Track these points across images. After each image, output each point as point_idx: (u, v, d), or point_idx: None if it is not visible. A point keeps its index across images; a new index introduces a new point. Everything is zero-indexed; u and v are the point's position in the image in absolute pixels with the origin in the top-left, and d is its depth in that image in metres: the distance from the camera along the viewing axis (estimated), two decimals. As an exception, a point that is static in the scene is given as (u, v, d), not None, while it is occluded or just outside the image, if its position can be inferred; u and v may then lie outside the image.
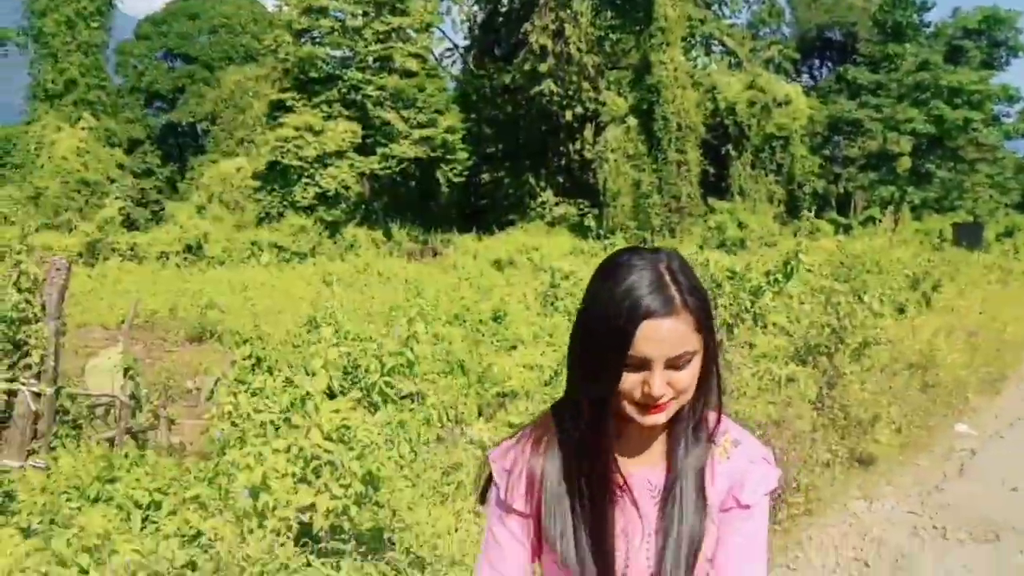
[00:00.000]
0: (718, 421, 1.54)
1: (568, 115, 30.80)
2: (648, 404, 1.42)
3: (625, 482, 1.53)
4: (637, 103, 28.44)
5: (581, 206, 30.79)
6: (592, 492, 1.52)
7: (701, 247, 19.78)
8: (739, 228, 27.01)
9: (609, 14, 31.14)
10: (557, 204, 31.29)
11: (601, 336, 1.43)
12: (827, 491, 5.79)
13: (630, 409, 1.44)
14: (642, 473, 1.54)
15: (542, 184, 31.83)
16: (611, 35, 31.45)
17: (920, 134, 33.24)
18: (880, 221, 33.28)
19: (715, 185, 30.29)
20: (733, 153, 30.10)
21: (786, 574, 4.62)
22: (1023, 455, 7.10)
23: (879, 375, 7.76)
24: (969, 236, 25.69)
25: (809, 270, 13.44)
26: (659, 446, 1.55)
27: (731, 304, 8.70)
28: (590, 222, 28.92)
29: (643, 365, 1.40)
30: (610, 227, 27.29)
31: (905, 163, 33.28)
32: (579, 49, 29.44)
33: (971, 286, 14.83)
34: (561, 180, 32.33)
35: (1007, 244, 26.43)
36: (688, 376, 1.42)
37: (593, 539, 1.51)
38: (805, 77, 43.11)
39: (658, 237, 26.63)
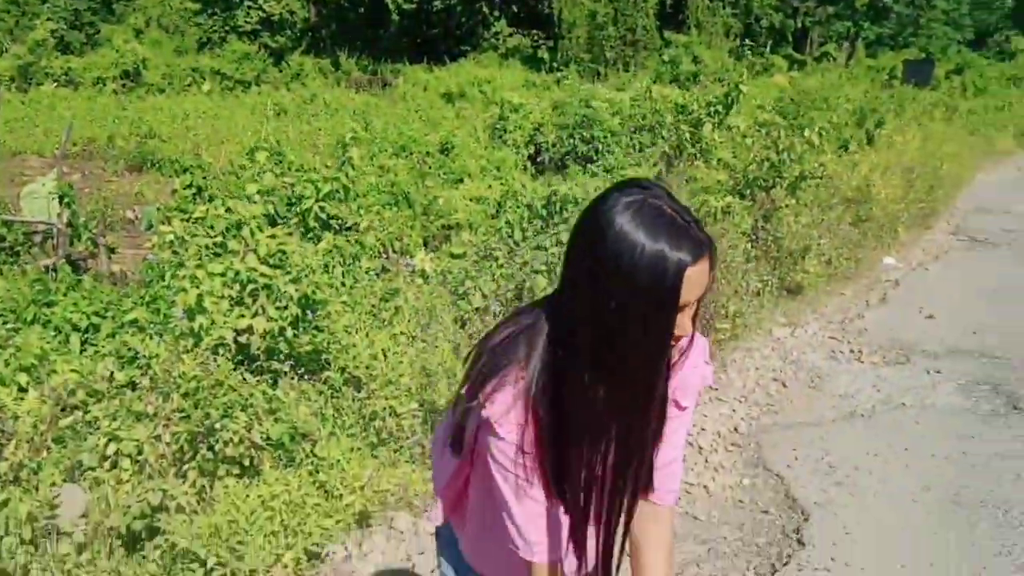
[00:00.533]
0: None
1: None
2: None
3: None
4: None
5: (535, 37, 30.02)
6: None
7: (655, 81, 19.54)
8: (694, 63, 26.62)
9: None
10: (511, 35, 30.45)
11: (651, 301, 1.32)
12: (754, 318, 6.03)
13: None
14: None
15: (496, 14, 30.83)
16: None
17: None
18: (835, 58, 33.03)
19: (672, 17, 29.62)
20: (691, -17, 29.31)
21: (708, 392, 4.87)
22: (943, 286, 7.42)
23: (815, 209, 7.94)
24: (919, 73, 25.64)
25: (760, 106, 13.45)
26: None
27: (671, 136, 8.72)
28: (544, 54, 28.28)
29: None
30: (564, 59, 26.74)
31: (863, -4, 32.74)
32: None
33: (914, 123, 14.97)
34: (515, 10, 31.32)
35: (956, 81, 26.50)
36: (697, 314, 1.42)
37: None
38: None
39: (612, 71, 26.21)
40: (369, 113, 16.52)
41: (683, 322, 1.36)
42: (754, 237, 7.04)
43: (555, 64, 26.41)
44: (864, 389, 5.05)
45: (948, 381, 5.16)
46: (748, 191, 7.72)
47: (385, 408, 4.20)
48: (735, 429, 4.53)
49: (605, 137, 11.51)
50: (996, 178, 13.84)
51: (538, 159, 12.24)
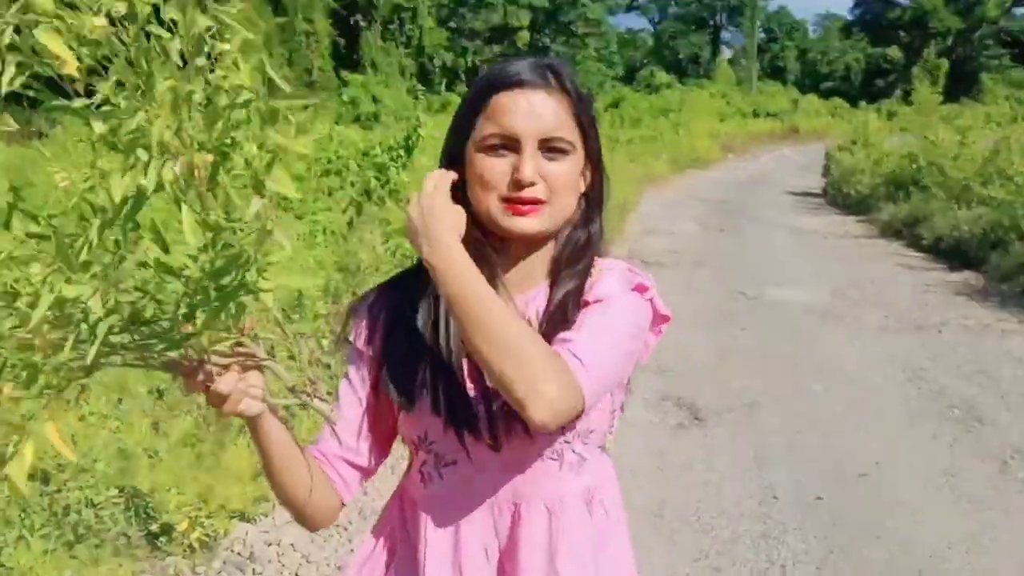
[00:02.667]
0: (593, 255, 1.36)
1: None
2: (518, 201, 1.24)
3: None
4: (261, -32, 26.96)
5: (207, 80, 29.03)
6: None
7: (337, 122, 19.57)
8: (374, 102, 27.04)
9: None
10: (181, 77, 29.23)
11: (461, 114, 1.29)
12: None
13: (496, 211, 1.25)
14: (522, 298, 1.34)
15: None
16: None
17: (537, 8, 35.06)
18: (506, 94, 34.97)
19: (348, 58, 29.92)
20: (363, 23, 29.79)
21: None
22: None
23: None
24: (582, 108, 27.81)
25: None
26: (540, 270, 1.34)
27: (357, 181, 8.80)
28: (218, 97, 27.40)
29: (512, 146, 1.24)
30: (240, 102, 26.08)
31: (524, 37, 35.09)
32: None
33: (584, 155, 16.19)
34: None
35: (614, 115, 29.06)
36: (564, 172, 1.25)
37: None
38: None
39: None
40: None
41: (522, 163, 1.22)
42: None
43: (233, 107, 25.67)
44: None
45: (636, 398, 5.60)
46: (441, 230, 7.94)
47: (80, 500, 3.82)
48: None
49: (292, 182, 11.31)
50: (658, 202, 15.31)
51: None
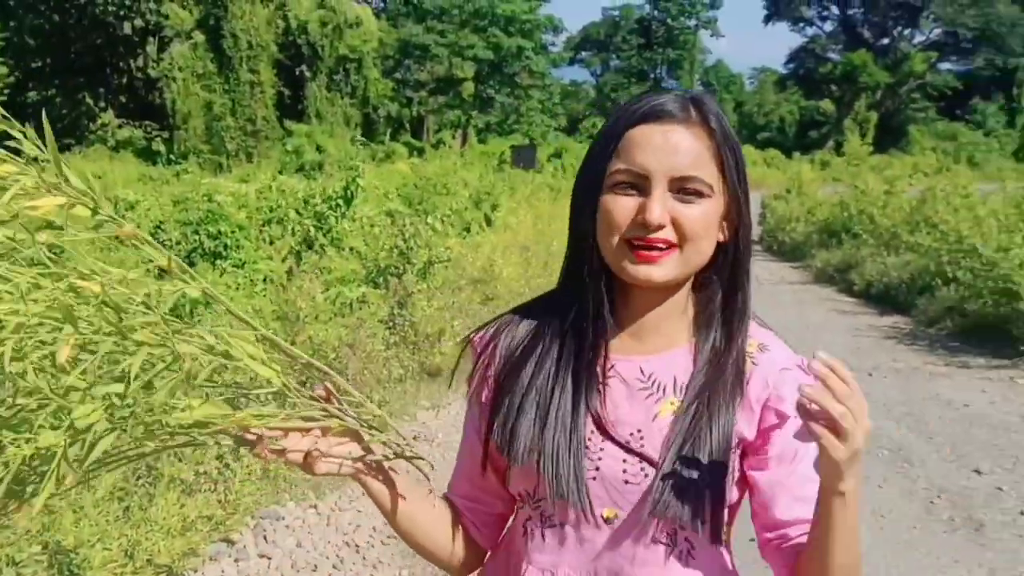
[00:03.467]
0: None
1: (127, 27, 28.34)
2: (643, 245, 1.11)
3: (612, 368, 1.20)
4: (204, 17, 26.97)
5: (148, 129, 28.76)
6: (567, 375, 1.19)
7: (280, 171, 19.51)
8: (318, 152, 27.04)
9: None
10: (120, 127, 28.93)
11: (594, 150, 1.17)
12: (398, 404, 6.16)
13: (619, 255, 1.13)
14: (633, 361, 1.20)
15: (102, 104, 29.17)
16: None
17: (481, 60, 35.54)
18: (451, 145, 35.25)
19: (292, 107, 29.94)
20: (308, 74, 29.90)
21: (361, 488, 4.86)
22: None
23: (446, 292, 8.34)
24: (524, 158, 28.19)
25: (386, 194, 13.93)
26: (676, 328, 1.22)
27: (298, 229, 8.80)
28: (159, 147, 27.16)
29: (641, 185, 1.12)
30: (182, 151, 25.88)
31: (469, 88, 35.50)
32: (134, -44, 27.10)
33: (526, 204, 16.36)
34: (124, 100, 29.85)
35: (557, 164, 29.43)
36: (698, 217, 1.12)
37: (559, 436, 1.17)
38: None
39: (235, 162, 25.80)
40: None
41: (650, 203, 1.10)
42: (391, 324, 7.23)
43: (172, 156, 25.48)
44: (506, 461, 5.34)
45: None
46: (381, 279, 7.95)
47: (1, 558, 3.70)
48: (391, 520, 4.55)
49: (233, 232, 11.24)
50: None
51: (163, 258, 11.63)
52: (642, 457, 1.15)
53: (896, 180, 15.30)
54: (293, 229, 9.26)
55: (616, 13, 53.32)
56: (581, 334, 1.20)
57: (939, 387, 6.74)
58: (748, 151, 41.08)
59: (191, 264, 11.10)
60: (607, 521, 1.17)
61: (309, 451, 1.08)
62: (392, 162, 26.86)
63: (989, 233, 9.63)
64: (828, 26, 58.61)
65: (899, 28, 55.79)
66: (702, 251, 1.14)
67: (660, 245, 1.11)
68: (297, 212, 10.12)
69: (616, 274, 1.16)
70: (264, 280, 9.23)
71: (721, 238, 1.18)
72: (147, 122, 28.86)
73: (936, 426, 5.84)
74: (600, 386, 1.18)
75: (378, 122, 33.37)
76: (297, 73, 29.83)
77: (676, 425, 1.15)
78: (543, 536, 1.22)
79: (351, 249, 9.56)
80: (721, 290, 1.21)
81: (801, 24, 58.32)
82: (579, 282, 1.19)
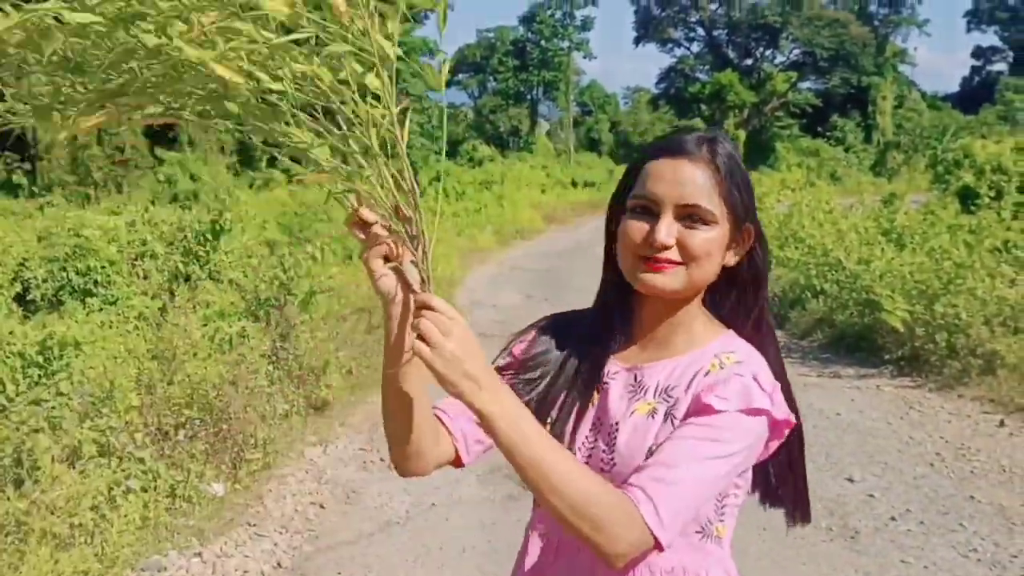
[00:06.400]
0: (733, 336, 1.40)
1: (-19, 55, 26.95)
2: (652, 259, 1.30)
3: (616, 374, 1.41)
4: (66, 45, 25.90)
5: (7, 160, 27.33)
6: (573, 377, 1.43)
7: (153, 201, 18.85)
8: (192, 181, 26.24)
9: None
10: (-24, 159, 27.40)
11: (621, 181, 1.42)
12: (284, 442, 6.02)
13: (631, 268, 1.33)
14: (633, 368, 1.40)
15: (-46, 135, 27.59)
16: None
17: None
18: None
19: (163, 135, 28.98)
20: (179, 101, 29.06)
21: (247, 531, 4.73)
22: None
23: (329, 322, 8.22)
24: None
25: (265, 223, 13.63)
26: (680, 339, 1.39)
27: (163, 267, 8.58)
28: (20, 179, 25.84)
29: (653, 211, 1.31)
30: (46, 184, 24.71)
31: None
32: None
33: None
34: (-21, 130, 28.32)
35: (437, 188, 29.37)
36: (700, 241, 1.29)
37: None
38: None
39: (103, 192, 24.80)
40: None
41: (658, 225, 1.29)
42: (274, 358, 7.06)
43: (36, 189, 24.32)
44: (396, 495, 5.28)
45: (470, 473, 5.60)
46: (262, 311, 7.76)
47: None
48: (278, 564, 4.44)
49: (103, 268, 10.79)
50: (484, 274, 15.54)
51: (28, 297, 11.06)
52: (611, 448, 1.33)
53: (765, 197, 15.91)
54: (164, 263, 8.97)
55: (491, 35, 53.84)
56: (593, 343, 1.42)
57: (812, 397, 7.03)
58: (625, 168, 42.01)
59: (59, 303, 10.60)
60: None
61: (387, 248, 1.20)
62: (270, 189, 26.29)
63: (852, 246, 10.13)
64: (695, 47, 60.75)
65: (761, 49, 58.30)
66: (705, 271, 1.32)
67: (667, 263, 1.29)
68: (170, 244, 9.80)
69: (631, 284, 1.35)
70: (138, 317, 8.89)
71: (729, 263, 1.37)
72: (7, 153, 27.40)
73: (811, 436, 6.06)
74: (600, 387, 1.39)
75: (254, 149, 32.67)
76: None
77: (641, 423, 1.32)
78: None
79: (229, 281, 9.30)
80: (726, 310, 1.42)
81: (669, 45, 60.19)
82: (605, 298, 1.44)
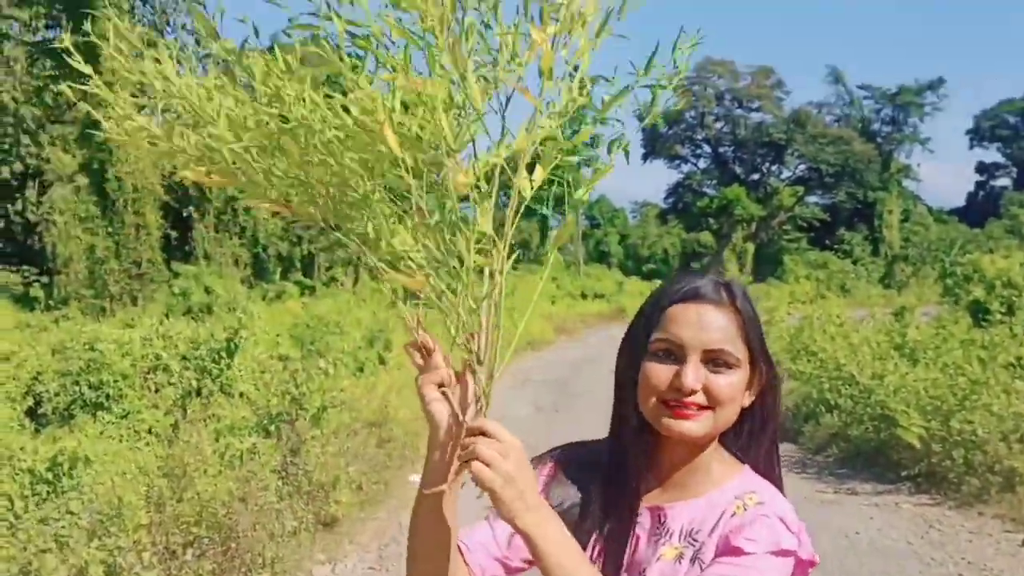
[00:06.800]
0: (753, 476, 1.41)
1: (6, 171, 27.67)
2: (677, 405, 1.30)
3: (641, 515, 1.39)
4: (87, 161, 26.60)
5: (26, 274, 27.73)
6: (603, 519, 1.39)
7: (167, 314, 19.02)
8: (206, 293, 26.52)
9: (48, 63, 28.71)
10: (-7, 272, 27.86)
11: (636, 322, 1.39)
12: (292, 560, 5.91)
13: (655, 412, 1.32)
14: (657, 509, 1.38)
15: (-26, 250, 28.10)
16: (52, 86, 29.06)
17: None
18: (343, 282, 35.22)
19: (179, 248, 29.46)
20: (195, 215, 29.62)
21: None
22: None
23: (341, 437, 8.17)
24: (419, 295, 28.21)
25: (278, 336, 13.70)
26: (700, 480, 1.38)
27: (184, 379, 8.59)
28: (37, 292, 26.17)
29: (677, 355, 1.31)
30: (62, 296, 25.00)
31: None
32: (15, 99, 26.68)
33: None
34: (1, 245, 28.86)
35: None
36: (726, 385, 1.30)
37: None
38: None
39: (119, 305, 25.06)
40: None
41: (685, 370, 1.29)
42: (284, 473, 7.00)
43: (52, 302, 24.59)
44: (407, 617, 5.15)
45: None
46: (273, 426, 7.73)
47: None
48: None
49: (116, 381, 10.82)
50: (495, 387, 15.47)
51: (39, 411, 11.06)
52: None
53: (775, 310, 15.97)
54: (178, 379, 9.00)
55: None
56: (620, 486, 1.39)
57: (830, 514, 6.90)
58: (634, 282, 42.40)
59: (70, 417, 10.59)
60: None
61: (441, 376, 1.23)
62: (283, 301, 26.52)
63: (864, 360, 10.09)
64: (702, 163, 62.00)
65: (767, 164, 59.45)
66: (728, 415, 1.33)
67: (694, 408, 1.29)
68: (184, 358, 9.85)
69: (654, 428, 1.33)
70: (149, 431, 8.87)
71: (745, 404, 1.36)
72: (24, 267, 27.80)
73: (832, 556, 5.94)
74: (629, 530, 1.37)
75: (268, 261, 33.12)
76: (184, 214, 29.48)
77: (668, 569, 1.31)
78: None
79: (241, 395, 9.30)
80: (738, 445, 1.41)
81: (676, 161, 61.47)
82: (622, 438, 1.40)
